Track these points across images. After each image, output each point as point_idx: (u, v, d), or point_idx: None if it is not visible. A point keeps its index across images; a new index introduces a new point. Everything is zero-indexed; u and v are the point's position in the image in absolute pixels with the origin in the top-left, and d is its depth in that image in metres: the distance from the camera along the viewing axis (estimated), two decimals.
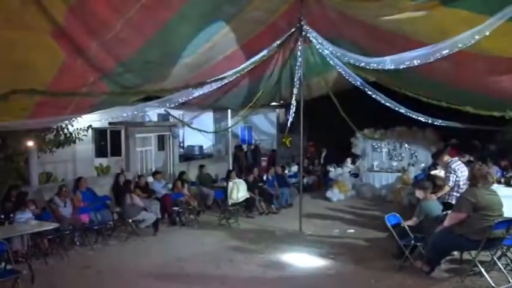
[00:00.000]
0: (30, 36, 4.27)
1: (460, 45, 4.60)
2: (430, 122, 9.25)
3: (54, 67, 4.96)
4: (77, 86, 5.61)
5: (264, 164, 14.24)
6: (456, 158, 6.60)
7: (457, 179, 6.24)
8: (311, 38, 7.16)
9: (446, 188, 6.31)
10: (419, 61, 5.27)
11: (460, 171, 6.21)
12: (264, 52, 7.07)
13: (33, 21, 4.09)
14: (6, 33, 4.07)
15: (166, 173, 11.90)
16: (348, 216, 9.73)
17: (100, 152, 11.41)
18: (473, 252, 5.31)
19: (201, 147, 14.37)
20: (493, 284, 5.04)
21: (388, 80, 9.09)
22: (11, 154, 8.09)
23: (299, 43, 7.47)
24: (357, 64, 6.74)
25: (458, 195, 5.86)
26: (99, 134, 11.30)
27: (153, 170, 11.28)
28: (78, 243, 7.56)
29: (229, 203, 9.33)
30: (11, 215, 6.64)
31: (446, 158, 6.54)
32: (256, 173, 10.82)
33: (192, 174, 11.63)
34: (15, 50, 4.38)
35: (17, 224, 6.53)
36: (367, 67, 6.52)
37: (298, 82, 8.46)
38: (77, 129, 9.27)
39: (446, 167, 6.43)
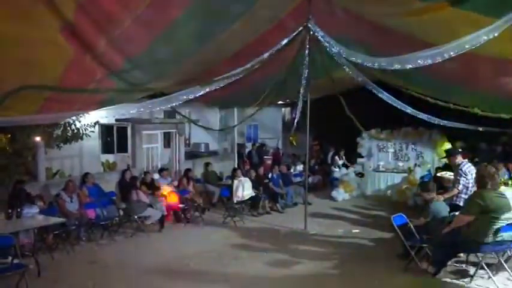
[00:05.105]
0: (39, 32, 4.29)
1: (467, 47, 4.57)
2: (436, 122, 9.23)
3: (62, 63, 4.98)
4: (85, 83, 5.65)
5: (268, 162, 14.26)
6: (466, 160, 6.56)
7: (467, 181, 6.21)
8: (319, 37, 7.14)
9: (455, 191, 6.28)
10: (426, 61, 5.24)
11: (471, 174, 6.16)
12: (271, 51, 7.06)
13: (42, 17, 4.11)
14: (15, 29, 4.09)
15: (172, 170, 11.95)
16: (352, 216, 9.72)
17: (106, 148, 11.46)
18: (480, 254, 5.28)
19: (207, 144, 14.38)
20: (499, 287, 5.01)
21: (395, 80, 9.07)
22: (19, 149, 8.15)
23: (306, 42, 7.46)
24: (364, 64, 6.71)
25: (466, 197, 5.82)
26: (106, 130, 11.36)
27: (159, 167, 11.33)
28: (84, 238, 7.61)
29: (235, 201, 9.35)
30: (18, 210, 6.68)
31: (458, 159, 6.49)
32: (261, 171, 10.85)
33: (198, 171, 11.66)
34: (24, 46, 4.41)
35: (24, 219, 6.59)
36: (374, 67, 6.49)
37: (304, 81, 8.45)
38: (84, 125, 9.31)
39: (457, 169, 6.38)
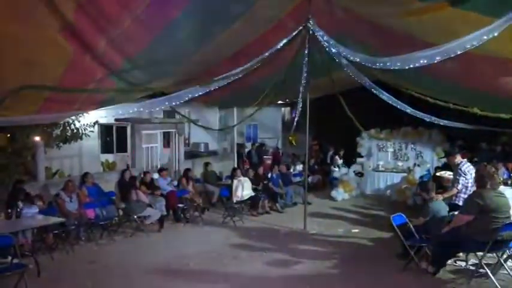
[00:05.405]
0: (39, 32, 4.29)
1: (467, 46, 4.57)
2: (436, 122, 9.22)
3: (62, 63, 4.98)
4: (85, 83, 5.64)
5: (268, 162, 14.27)
6: (465, 160, 6.56)
7: (466, 181, 6.21)
8: (318, 37, 7.14)
9: (454, 190, 6.28)
10: (426, 61, 5.24)
11: (470, 173, 6.17)
12: (271, 50, 7.06)
13: (42, 18, 4.11)
14: (16, 29, 4.09)
15: (172, 170, 11.94)
16: (352, 216, 9.73)
17: (106, 148, 11.47)
18: (480, 254, 5.28)
19: (206, 144, 14.39)
20: (499, 286, 5.01)
21: (395, 80, 9.07)
22: (18, 149, 8.14)
23: (306, 42, 7.46)
24: (364, 64, 6.72)
25: (465, 196, 5.83)
26: (106, 130, 11.36)
27: (159, 166, 11.33)
28: (83, 238, 7.61)
29: (234, 201, 9.35)
30: (18, 209, 6.69)
31: (458, 159, 6.49)
32: (261, 171, 10.85)
33: (197, 171, 11.66)
34: (24, 46, 4.41)
35: (23, 219, 6.59)
36: (374, 67, 6.50)
37: (304, 81, 8.45)
38: (84, 125, 9.32)
39: (456, 169, 6.38)
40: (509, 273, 5.33)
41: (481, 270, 5.27)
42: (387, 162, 12.60)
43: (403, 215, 6.17)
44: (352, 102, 9.48)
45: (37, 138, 8.34)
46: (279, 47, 7.07)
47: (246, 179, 9.87)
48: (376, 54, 6.37)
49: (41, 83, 4.97)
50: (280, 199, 10.46)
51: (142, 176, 9.49)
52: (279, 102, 14.01)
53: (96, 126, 9.85)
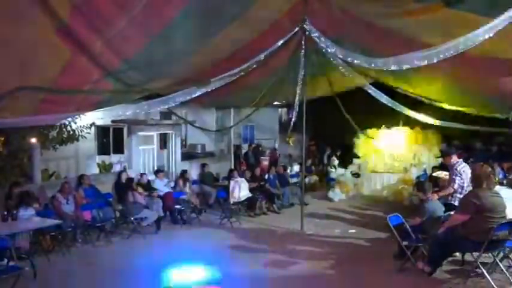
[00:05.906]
0: (35, 33, 4.28)
1: (462, 47, 4.60)
2: (432, 122, 9.28)
3: (58, 65, 4.97)
4: (81, 84, 5.63)
5: (265, 163, 14.27)
6: (461, 160, 6.58)
7: (461, 181, 6.23)
8: (314, 38, 7.16)
9: (450, 190, 6.30)
10: (422, 62, 5.26)
11: (466, 173, 6.19)
12: (267, 51, 7.07)
13: (38, 18, 4.10)
14: (11, 30, 4.08)
15: (169, 171, 11.92)
16: (349, 216, 9.74)
17: (102, 149, 11.43)
18: (476, 254, 5.30)
19: (203, 145, 14.37)
20: (495, 286, 5.02)
21: (391, 81, 9.10)
22: (14, 151, 8.10)
23: (302, 43, 7.48)
24: (360, 64, 6.73)
25: (461, 196, 5.85)
26: (102, 131, 11.32)
27: (155, 168, 11.29)
28: (80, 240, 7.57)
29: (231, 202, 9.35)
30: (14, 212, 6.65)
31: (454, 159, 6.51)
32: (257, 172, 10.85)
33: (194, 172, 11.65)
34: (20, 47, 4.39)
35: (20, 221, 6.56)
36: (370, 67, 6.52)
37: (301, 82, 8.47)
38: (80, 126, 9.27)
39: (452, 169, 6.40)
40: (504, 272, 5.34)
41: (477, 269, 5.29)
42: (384, 162, 12.62)
43: (399, 215, 6.18)
44: (348, 103, 9.51)
45: (33, 140, 8.30)
46: (275, 47, 7.08)
47: (243, 179, 9.87)
48: (372, 55, 6.39)
49: (37, 85, 4.95)
50: (277, 200, 10.47)
51: (139, 177, 9.47)
52: (276, 103, 14.04)
53: (92, 127, 9.81)
